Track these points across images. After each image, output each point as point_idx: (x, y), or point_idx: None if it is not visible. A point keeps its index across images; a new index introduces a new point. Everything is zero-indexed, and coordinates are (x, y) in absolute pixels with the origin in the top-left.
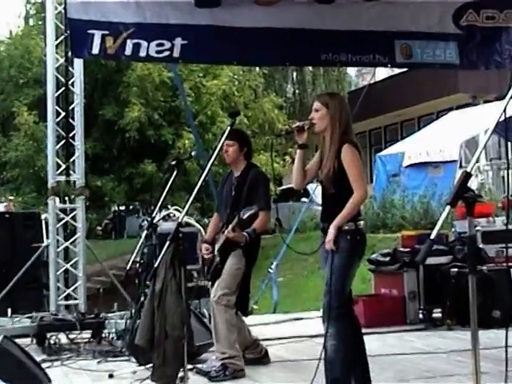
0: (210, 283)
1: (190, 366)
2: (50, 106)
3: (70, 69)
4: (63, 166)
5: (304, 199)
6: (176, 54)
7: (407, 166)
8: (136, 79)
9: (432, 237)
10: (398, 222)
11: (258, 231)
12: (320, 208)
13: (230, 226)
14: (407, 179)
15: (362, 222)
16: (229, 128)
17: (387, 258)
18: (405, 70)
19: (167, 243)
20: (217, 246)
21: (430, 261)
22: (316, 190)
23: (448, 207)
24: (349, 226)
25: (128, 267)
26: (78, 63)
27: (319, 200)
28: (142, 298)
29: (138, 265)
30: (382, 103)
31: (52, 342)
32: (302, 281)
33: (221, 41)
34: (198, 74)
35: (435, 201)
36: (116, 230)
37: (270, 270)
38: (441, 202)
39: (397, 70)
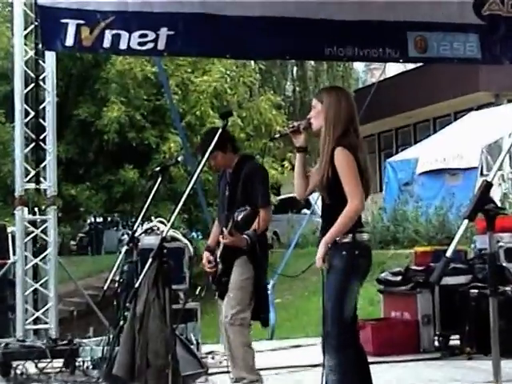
0: (217, 298)
1: None
2: (18, 105)
3: (41, 63)
4: (32, 173)
5: (305, 211)
6: (161, 46)
7: (421, 174)
8: (115, 75)
9: (449, 254)
10: (411, 237)
11: (259, 231)
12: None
13: (226, 231)
14: (421, 188)
15: (364, 235)
16: (220, 131)
17: (398, 278)
18: (419, 65)
19: (150, 260)
20: (218, 254)
21: (447, 281)
22: (318, 201)
23: (466, 221)
24: (345, 239)
25: (105, 287)
26: (50, 56)
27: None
28: (122, 322)
29: (116, 284)
30: (393, 103)
31: (18, 371)
32: (302, 302)
33: (212, 31)
34: (186, 69)
35: (453, 213)
36: (92, 244)
37: None
38: (459, 214)
39: (410, 66)
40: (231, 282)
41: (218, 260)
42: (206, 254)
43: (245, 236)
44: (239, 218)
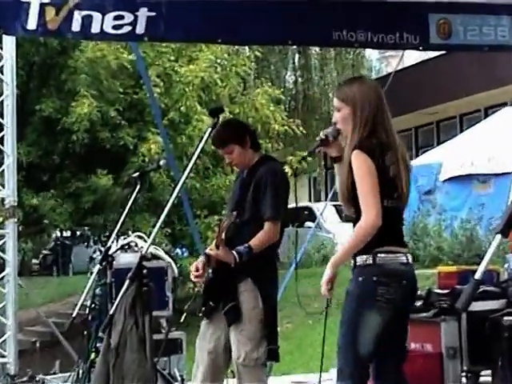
0: (204, 322)
1: None
2: None
3: None
4: None
5: (309, 224)
6: (140, 29)
7: (445, 181)
8: (86, 63)
9: (478, 275)
10: (433, 255)
11: (256, 249)
12: (329, 236)
13: (215, 241)
14: (445, 198)
15: (389, 256)
16: (209, 130)
17: (419, 303)
18: (443, 52)
19: (127, 282)
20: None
21: (476, 306)
22: (325, 212)
23: (498, 236)
24: (362, 260)
25: (74, 314)
26: (9, 42)
27: (329, 225)
28: (93, 355)
29: (87, 310)
30: (412, 97)
31: None
32: (305, 332)
33: (200, 13)
34: (169, 56)
35: (482, 227)
36: (58, 264)
37: None
38: (490, 228)
39: (432, 53)
40: (242, 313)
41: (209, 270)
42: (199, 260)
43: (234, 252)
44: (224, 225)
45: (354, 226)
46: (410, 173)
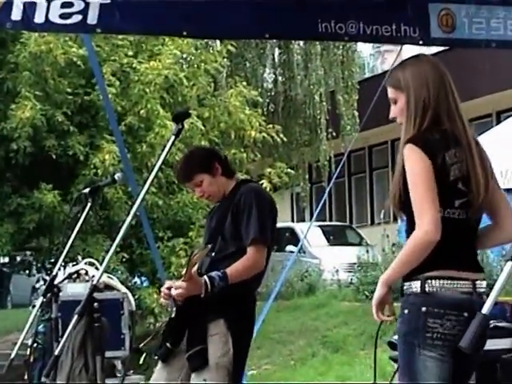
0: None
1: None
2: None
3: None
4: None
5: (290, 247)
6: (92, 19)
7: None
8: (28, 59)
9: (486, 309)
10: None
11: (233, 278)
12: (315, 261)
13: (183, 277)
14: None
15: (446, 282)
16: (173, 138)
17: None
18: (447, 47)
19: (75, 317)
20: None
21: (487, 345)
22: (309, 234)
23: (511, 264)
24: (411, 288)
25: (13, 354)
26: None
27: (314, 249)
28: None
29: (28, 351)
30: None
31: None
32: (286, 374)
33: (163, 0)
34: (127, 51)
35: (494, 251)
36: None
37: None
38: (502, 253)
39: (435, 48)
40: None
41: (174, 305)
42: (168, 283)
43: (205, 278)
44: (195, 257)
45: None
46: (490, 175)
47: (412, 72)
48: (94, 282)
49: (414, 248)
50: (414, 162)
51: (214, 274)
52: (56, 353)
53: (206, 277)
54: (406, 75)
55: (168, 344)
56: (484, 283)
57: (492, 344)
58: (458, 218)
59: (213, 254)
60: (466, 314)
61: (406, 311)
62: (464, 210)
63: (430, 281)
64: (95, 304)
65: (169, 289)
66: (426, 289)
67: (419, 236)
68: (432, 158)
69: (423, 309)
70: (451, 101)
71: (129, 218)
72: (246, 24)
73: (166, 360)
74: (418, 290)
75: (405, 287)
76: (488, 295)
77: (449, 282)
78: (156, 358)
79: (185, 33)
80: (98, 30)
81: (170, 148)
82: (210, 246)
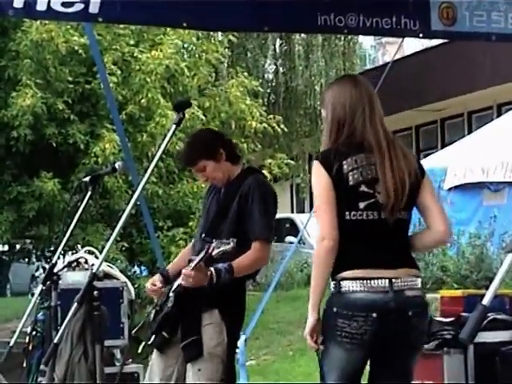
0: (153, 348)
1: None
2: None
3: None
4: None
5: (290, 239)
6: (94, 8)
7: (451, 189)
8: (29, 47)
9: (486, 300)
10: (436, 276)
11: (237, 271)
12: (313, 252)
13: (190, 266)
14: (450, 209)
15: (356, 283)
16: (174, 127)
17: None
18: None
19: (75, 305)
20: (175, 285)
21: (485, 337)
22: (309, 225)
23: (511, 256)
24: (331, 286)
25: (12, 342)
26: None
27: (314, 240)
28: None
29: (27, 339)
30: (412, 90)
31: None
32: (285, 365)
33: None
34: (128, 40)
35: (494, 244)
36: None
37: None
38: (502, 245)
39: (435, 41)
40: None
41: (171, 295)
42: (155, 277)
43: (211, 269)
44: (215, 251)
45: None
46: (408, 176)
47: (333, 92)
48: (94, 271)
49: (316, 258)
50: (314, 177)
51: (220, 265)
52: (55, 341)
53: (212, 268)
54: (328, 95)
55: (164, 333)
56: (408, 279)
57: (491, 336)
58: (367, 219)
59: (222, 244)
60: (374, 315)
61: (323, 310)
62: (373, 211)
63: (343, 282)
64: (95, 292)
65: (153, 284)
66: (341, 289)
67: (317, 245)
68: (328, 168)
69: (334, 309)
70: (367, 116)
71: (129, 207)
72: (245, 17)
73: (162, 349)
74: (334, 290)
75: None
76: (419, 290)
77: (360, 281)
78: (149, 344)
79: (185, 24)
80: (99, 19)
81: (171, 137)
82: (233, 242)
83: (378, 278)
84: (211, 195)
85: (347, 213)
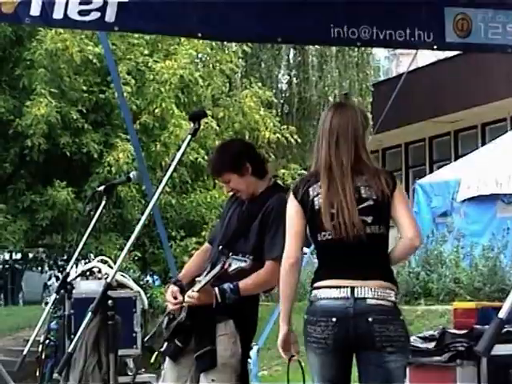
0: (166, 357)
1: None
2: None
3: None
4: None
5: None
6: (110, 17)
7: (464, 201)
8: (44, 56)
9: (503, 314)
10: (449, 288)
11: (243, 291)
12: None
13: (200, 284)
14: (464, 221)
15: (320, 291)
16: (189, 137)
17: (431, 344)
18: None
19: (89, 315)
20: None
21: (500, 350)
22: None
23: None
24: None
25: (25, 351)
26: None
27: None
28: None
29: (41, 348)
30: (426, 102)
31: None
32: (298, 376)
33: (180, 2)
34: (143, 50)
35: (507, 256)
36: (6, 291)
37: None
38: None
39: (449, 53)
40: (217, 358)
41: (185, 304)
42: (171, 287)
43: (216, 290)
44: (231, 268)
45: None
46: (365, 197)
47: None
48: (108, 280)
49: (282, 274)
50: (287, 205)
51: (226, 286)
52: (69, 350)
53: (216, 289)
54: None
55: (177, 341)
56: (377, 290)
57: (505, 349)
58: (332, 238)
59: (239, 261)
60: (334, 319)
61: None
62: (338, 230)
63: (313, 291)
64: (109, 302)
65: (175, 297)
66: (310, 298)
67: (282, 263)
68: (296, 195)
69: (305, 317)
70: (342, 143)
71: (143, 217)
72: (258, 28)
73: (175, 358)
74: (308, 300)
75: None
76: (387, 301)
77: (325, 290)
78: (161, 352)
79: (199, 34)
80: (115, 28)
81: (186, 147)
82: (249, 259)
83: (340, 287)
84: (234, 205)
85: (318, 234)
